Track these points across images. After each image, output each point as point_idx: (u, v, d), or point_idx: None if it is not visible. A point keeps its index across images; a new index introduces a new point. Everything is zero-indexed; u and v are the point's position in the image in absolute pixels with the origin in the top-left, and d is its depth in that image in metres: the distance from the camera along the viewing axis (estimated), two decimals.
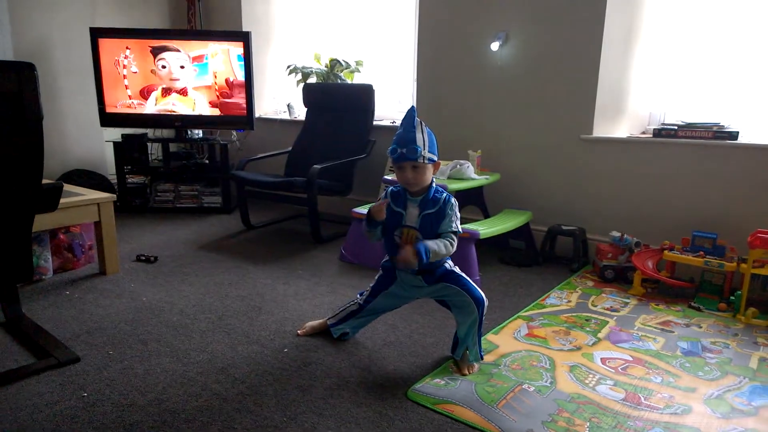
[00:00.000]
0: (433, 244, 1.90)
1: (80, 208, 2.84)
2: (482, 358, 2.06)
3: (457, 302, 2.04)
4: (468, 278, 2.06)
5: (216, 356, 2.11)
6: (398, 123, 4.23)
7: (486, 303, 2.04)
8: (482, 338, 2.10)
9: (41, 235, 2.84)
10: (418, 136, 1.92)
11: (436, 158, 1.97)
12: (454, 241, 1.95)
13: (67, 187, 3.20)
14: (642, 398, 1.85)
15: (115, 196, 3.01)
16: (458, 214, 1.99)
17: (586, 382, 1.94)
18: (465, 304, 2.01)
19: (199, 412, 1.74)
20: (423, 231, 1.97)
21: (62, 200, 2.73)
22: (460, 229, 1.98)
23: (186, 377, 1.95)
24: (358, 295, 2.24)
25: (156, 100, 4.39)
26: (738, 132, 2.95)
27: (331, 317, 2.29)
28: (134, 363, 2.05)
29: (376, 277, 2.18)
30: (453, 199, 1.98)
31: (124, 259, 3.20)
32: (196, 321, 2.42)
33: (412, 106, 1.99)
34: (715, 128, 3.01)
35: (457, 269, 2.08)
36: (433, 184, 2.00)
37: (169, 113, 4.40)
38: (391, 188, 2.05)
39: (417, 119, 1.95)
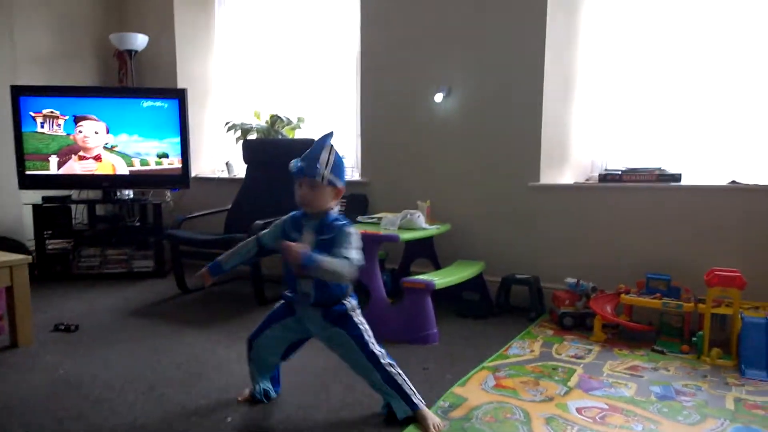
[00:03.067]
0: (326, 256, 1.74)
1: None
2: (414, 409, 1.85)
3: (350, 359, 1.89)
4: (364, 334, 1.88)
5: None
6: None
7: (384, 360, 1.85)
8: (448, 391, 1.91)
9: None
10: (323, 155, 1.83)
11: (338, 184, 1.86)
12: (346, 265, 1.76)
13: None
14: None
15: (30, 257, 2.69)
16: (357, 245, 1.82)
17: None
18: (359, 363, 1.86)
19: None
20: None
21: None
22: (358, 261, 1.79)
23: None
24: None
25: (70, 166, 4.13)
26: (681, 174, 3.01)
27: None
28: None
29: (274, 307, 2.01)
30: (353, 228, 1.84)
31: (40, 329, 2.83)
32: (122, 393, 2.11)
33: (330, 132, 1.89)
34: (657, 172, 3.05)
35: (356, 315, 1.91)
36: (333, 212, 1.88)
37: (94, 174, 4.13)
38: (292, 214, 1.93)
39: (328, 143, 1.85)
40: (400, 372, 1.88)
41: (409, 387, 1.87)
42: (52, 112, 4.06)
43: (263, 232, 2.00)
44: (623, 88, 3.32)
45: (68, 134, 4.09)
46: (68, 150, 4.10)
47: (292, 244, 1.74)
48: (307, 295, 1.87)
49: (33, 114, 4.01)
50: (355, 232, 1.84)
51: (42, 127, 4.04)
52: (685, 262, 2.90)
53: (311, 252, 1.72)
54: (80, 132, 4.10)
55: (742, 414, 1.94)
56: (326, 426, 1.86)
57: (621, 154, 3.38)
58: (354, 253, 1.79)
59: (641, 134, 3.29)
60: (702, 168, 3.07)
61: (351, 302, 1.91)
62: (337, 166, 1.85)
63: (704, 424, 1.86)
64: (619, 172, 3.14)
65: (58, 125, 4.08)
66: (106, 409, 1.98)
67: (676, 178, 2.98)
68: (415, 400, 1.86)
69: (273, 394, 2.06)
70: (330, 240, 1.81)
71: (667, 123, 3.19)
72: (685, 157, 3.13)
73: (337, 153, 1.86)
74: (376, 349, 1.86)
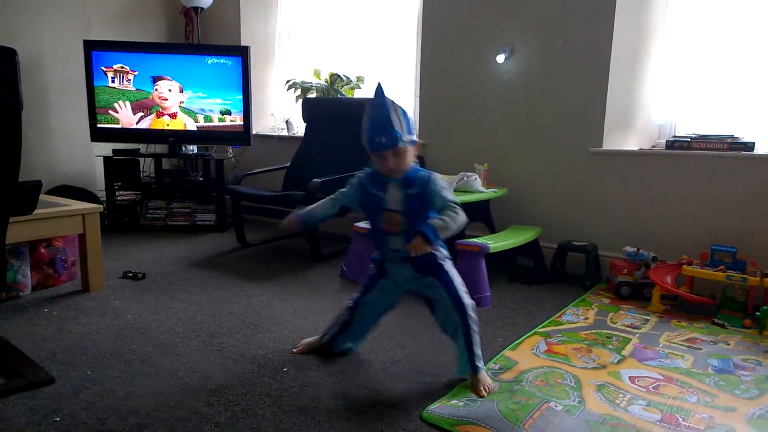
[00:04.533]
0: (436, 221, 1.72)
1: (64, 219, 2.67)
2: (475, 371, 1.85)
3: (440, 304, 1.90)
4: (455, 280, 1.88)
5: (207, 376, 1.92)
6: None
7: (470, 312, 1.86)
8: (499, 354, 1.92)
9: (20, 248, 2.65)
10: (394, 118, 1.74)
11: (415, 138, 1.82)
12: (456, 213, 1.73)
13: (50, 198, 3.04)
14: (680, 419, 1.67)
15: (101, 206, 2.84)
16: (447, 187, 1.80)
17: (617, 402, 1.76)
18: (446, 308, 1.87)
19: None
20: (409, 213, 1.81)
21: (45, 210, 2.57)
22: (457, 200, 1.77)
23: (173, 399, 1.76)
24: (349, 302, 2.07)
25: (152, 121, 4.28)
26: (754, 143, 2.84)
27: (326, 334, 2.11)
28: (115, 385, 1.85)
29: (368, 274, 2.04)
30: (436, 175, 1.81)
31: (110, 276, 3.01)
32: (185, 339, 2.23)
33: (379, 84, 1.80)
34: (729, 140, 2.89)
35: (447, 264, 1.90)
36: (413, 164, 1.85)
37: (160, 129, 4.27)
38: (367, 171, 1.90)
39: (389, 100, 1.77)
40: (479, 333, 1.88)
41: (480, 350, 1.87)
42: (122, 67, 4.19)
43: (340, 191, 1.98)
44: (698, 51, 3.11)
45: (137, 89, 4.22)
46: (137, 105, 4.25)
47: (418, 245, 1.68)
48: (398, 250, 1.87)
49: (104, 69, 4.16)
50: (439, 177, 1.82)
51: (113, 81, 4.19)
52: (754, 234, 2.76)
53: (428, 232, 1.68)
54: (156, 90, 4.24)
55: None
56: (377, 380, 1.91)
57: (691, 120, 3.20)
58: (450, 195, 1.77)
59: (714, 99, 3.10)
60: None
61: (441, 251, 1.89)
62: (408, 120, 1.78)
63: (762, 399, 1.81)
64: (688, 139, 2.99)
65: (128, 80, 4.22)
66: (170, 353, 2.10)
67: (749, 147, 2.82)
68: (479, 364, 1.86)
69: (353, 349, 2.12)
70: (419, 194, 1.78)
71: (742, 88, 2.99)
72: (761, 125, 2.93)
73: (401, 108, 1.79)
74: (466, 299, 1.86)
